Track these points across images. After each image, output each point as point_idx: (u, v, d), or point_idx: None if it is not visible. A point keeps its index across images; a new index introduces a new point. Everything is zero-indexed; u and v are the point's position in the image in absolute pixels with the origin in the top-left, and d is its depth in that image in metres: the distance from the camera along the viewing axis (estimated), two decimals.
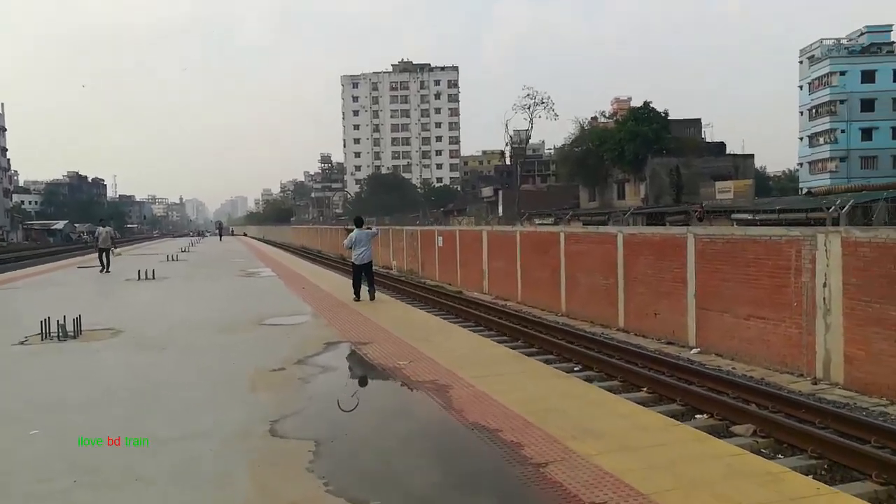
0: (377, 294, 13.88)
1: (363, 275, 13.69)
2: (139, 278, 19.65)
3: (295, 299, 14.34)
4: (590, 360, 11.41)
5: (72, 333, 9.63)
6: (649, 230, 18.50)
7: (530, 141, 66.63)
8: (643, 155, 50.83)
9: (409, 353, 7.95)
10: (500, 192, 71.46)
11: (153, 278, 19.68)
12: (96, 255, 23.73)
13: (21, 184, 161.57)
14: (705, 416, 8.41)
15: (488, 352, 8.17)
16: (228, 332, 9.97)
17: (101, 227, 24.25)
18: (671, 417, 6.12)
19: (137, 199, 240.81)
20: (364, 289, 13.63)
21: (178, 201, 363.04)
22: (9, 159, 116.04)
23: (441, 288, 27.76)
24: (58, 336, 9.51)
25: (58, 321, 9.57)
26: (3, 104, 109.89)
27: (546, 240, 22.66)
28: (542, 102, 58.08)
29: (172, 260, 29.52)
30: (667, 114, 53.58)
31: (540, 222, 43.99)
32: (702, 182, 45.22)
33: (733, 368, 13.34)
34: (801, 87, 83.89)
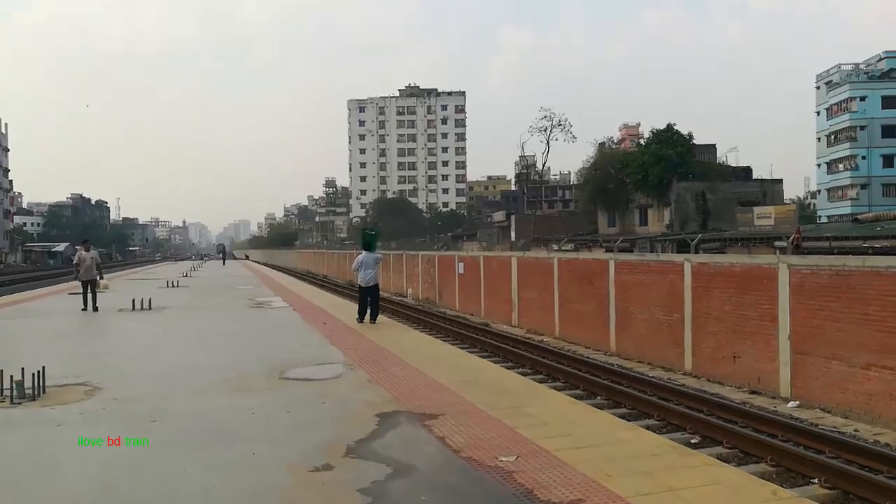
0: (379, 318, 14.53)
1: (369, 297, 14.28)
2: (133, 308, 17.20)
3: (318, 339, 11.86)
4: (709, 429, 8.83)
5: (30, 393, 7.13)
6: (725, 258, 16.05)
7: (545, 164, 64.38)
8: (667, 179, 48.50)
9: (505, 438, 5.47)
10: (513, 217, 69.08)
11: (149, 309, 17.24)
12: (80, 286, 17.62)
13: (25, 206, 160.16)
14: None
15: (618, 436, 5.65)
16: (241, 391, 7.48)
17: (82, 251, 17.90)
18: None
19: (140, 223, 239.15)
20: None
21: (181, 225, 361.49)
22: (11, 180, 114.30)
23: (464, 319, 25.30)
24: (10, 397, 7.03)
25: (11, 377, 7.09)
26: (6, 124, 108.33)
27: (591, 268, 20.19)
28: (560, 125, 56.00)
29: (173, 286, 27.08)
30: (691, 136, 51.39)
31: (558, 248, 41.61)
32: (735, 208, 42.81)
33: (856, 431, 10.83)
34: (818, 113, 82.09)
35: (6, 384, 7.14)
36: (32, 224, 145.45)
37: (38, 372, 7.26)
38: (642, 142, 56.19)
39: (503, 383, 7.70)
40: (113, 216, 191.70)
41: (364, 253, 14.47)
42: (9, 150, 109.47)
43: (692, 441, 8.49)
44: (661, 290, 16.96)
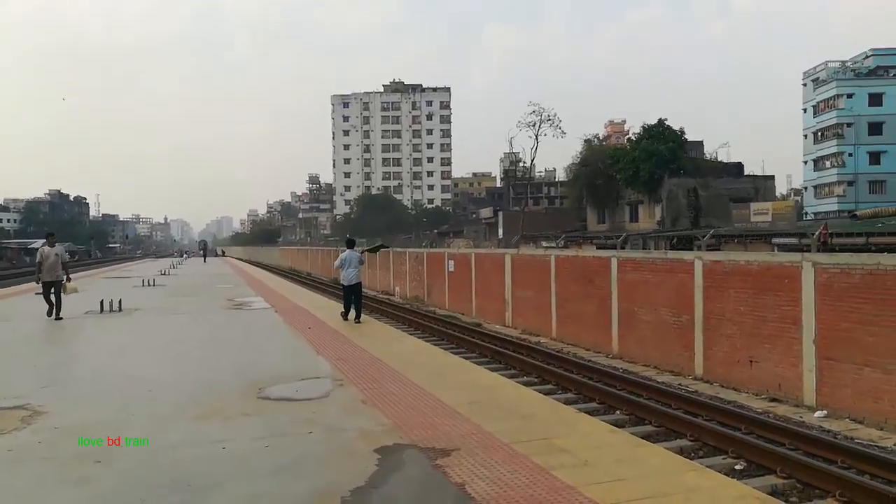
0: (368, 318, 14.79)
1: (352, 296, 14.17)
2: (101, 311, 15.86)
3: (303, 346, 10.66)
4: (754, 452, 7.71)
5: None
6: (741, 256, 15.01)
7: (533, 160, 63.27)
8: (659, 175, 47.60)
9: (541, 486, 4.33)
10: (501, 214, 68.09)
11: (119, 311, 15.91)
12: (41, 288, 15.07)
13: (1, 202, 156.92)
14: None
15: (684, 482, 4.51)
16: (212, 416, 6.26)
17: (45, 247, 15.27)
18: None
19: (121, 219, 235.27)
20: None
21: (162, 221, 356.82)
22: None
23: (455, 319, 24.20)
24: None
25: None
26: None
27: (591, 266, 19.13)
28: (549, 119, 54.93)
29: (149, 285, 25.69)
30: (682, 132, 50.49)
31: (547, 245, 40.63)
32: (731, 205, 41.98)
33: None
34: (804, 110, 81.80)
35: None
36: (9, 220, 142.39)
37: None
38: (632, 137, 55.21)
39: (522, 405, 6.53)
40: (92, 212, 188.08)
41: (348, 251, 14.42)
42: None
43: (736, 467, 7.41)
44: (668, 289, 15.97)
